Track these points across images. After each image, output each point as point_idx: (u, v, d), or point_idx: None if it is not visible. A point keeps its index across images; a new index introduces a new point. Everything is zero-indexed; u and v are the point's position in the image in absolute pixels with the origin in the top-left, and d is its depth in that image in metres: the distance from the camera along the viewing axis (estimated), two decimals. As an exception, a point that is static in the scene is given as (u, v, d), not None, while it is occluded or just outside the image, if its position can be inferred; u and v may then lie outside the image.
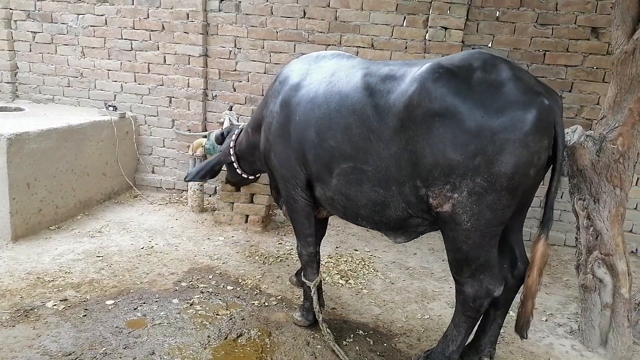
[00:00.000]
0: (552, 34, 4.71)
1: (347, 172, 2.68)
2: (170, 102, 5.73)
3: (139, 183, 5.92)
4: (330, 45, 5.18)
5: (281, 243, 4.72)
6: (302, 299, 3.39)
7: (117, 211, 5.17)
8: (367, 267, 4.29)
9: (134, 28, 5.64)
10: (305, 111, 2.83)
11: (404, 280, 4.10)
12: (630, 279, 3.09)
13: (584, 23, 4.65)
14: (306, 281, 3.24)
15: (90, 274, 3.70)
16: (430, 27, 4.86)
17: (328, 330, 3.03)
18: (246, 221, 5.01)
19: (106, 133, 5.27)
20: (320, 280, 3.31)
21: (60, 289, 3.43)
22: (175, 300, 3.42)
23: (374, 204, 2.68)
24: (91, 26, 5.76)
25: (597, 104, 4.78)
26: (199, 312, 3.29)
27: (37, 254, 3.97)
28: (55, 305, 3.20)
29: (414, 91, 2.32)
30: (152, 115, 5.83)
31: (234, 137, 3.75)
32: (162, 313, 3.24)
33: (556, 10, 4.65)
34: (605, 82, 4.67)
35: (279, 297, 3.61)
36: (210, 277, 3.84)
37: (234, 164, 3.79)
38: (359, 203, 2.75)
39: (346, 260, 4.40)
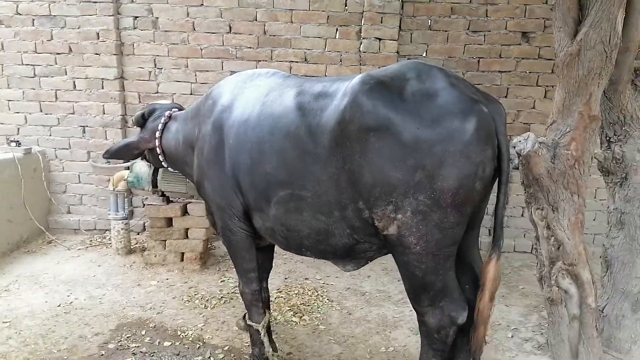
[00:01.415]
0: (484, 41, 4.69)
1: (285, 200, 2.43)
2: (84, 131, 5.11)
3: (52, 226, 5.19)
4: (260, 61, 4.85)
5: (223, 280, 4.27)
6: (250, 347, 2.99)
7: (27, 262, 4.46)
8: (321, 298, 3.95)
9: (36, 52, 4.99)
10: (239, 134, 2.56)
11: (361, 309, 3.79)
12: (595, 287, 2.98)
13: (514, 28, 4.66)
14: (252, 324, 2.88)
15: (-8, 347, 3.06)
16: (364, 38, 4.68)
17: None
18: (182, 259, 4.50)
19: (9, 173, 4.57)
20: (269, 321, 2.96)
21: (-48, 374, 2.78)
22: (102, 369, 2.88)
23: (317, 233, 2.44)
24: (-17, 52, 5.03)
25: (533, 107, 4.81)
26: (132, 380, 2.78)
27: None
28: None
29: (345, 106, 2.15)
30: (63, 148, 5.16)
31: (160, 126, 3.20)
32: (84, 388, 2.70)
33: (486, 16, 4.64)
34: (539, 86, 4.72)
35: (226, 348, 3.17)
36: (143, 332, 3.32)
37: (163, 162, 3.26)
38: (301, 233, 2.50)
39: (297, 293, 4.03)
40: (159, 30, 4.87)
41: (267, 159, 2.44)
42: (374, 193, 2.14)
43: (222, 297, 3.90)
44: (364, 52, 4.70)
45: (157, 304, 3.77)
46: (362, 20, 4.67)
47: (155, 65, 4.94)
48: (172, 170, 3.33)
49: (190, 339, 3.26)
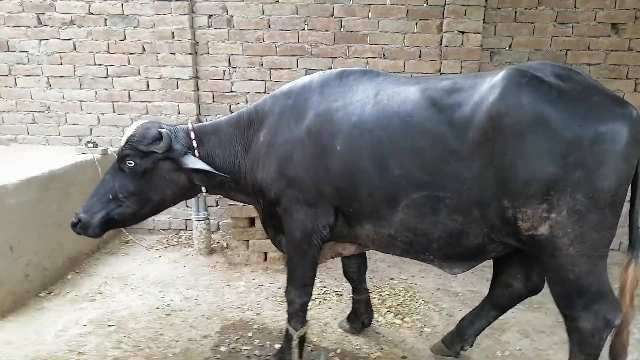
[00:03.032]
0: (572, 33, 4.54)
1: (419, 202, 2.33)
2: (158, 132, 5.09)
3: (128, 227, 5.19)
4: (336, 57, 4.77)
5: (310, 280, 4.22)
6: (279, 352, 2.92)
7: (111, 263, 4.47)
8: (415, 299, 3.87)
9: (108, 52, 4.97)
10: (351, 139, 2.42)
11: (460, 311, 3.70)
12: None
13: (604, 19, 4.50)
14: (290, 328, 2.80)
15: (109, 350, 3.05)
16: (445, 32, 4.56)
17: None
18: (265, 259, 4.47)
19: (90, 174, 4.57)
20: (305, 333, 2.86)
21: (80, 379, 2.77)
22: (223, 374, 2.86)
23: (450, 235, 2.36)
24: (57, 52, 5.03)
25: (622, 101, 4.65)
26: (257, 386, 2.75)
27: (35, 332, 3.25)
28: (80, 403, 2.56)
29: (496, 99, 2.10)
30: (137, 149, 5.15)
31: (194, 143, 2.71)
32: (213, 394, 2.67)
33: (575, 7, 4.49)
34: (629, 79, 4.56)
35: (338, 351, 3.12)
36: (250, 335, 3.29)
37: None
38: (431, 236, 2.40)
39: (389, 294, 3.96)
40: (233, 29, 4.81)
41: (396, 161, 2.32)
42: (527, 191, 2.09)
43: (315, 299, 3.85)
44: (445, 46, 4.58)
45: (252, 305, 3.74)
46: (444, 13, 4.54)
47: (230, 64, 4.89)
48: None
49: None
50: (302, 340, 2.84)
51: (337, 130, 2.45)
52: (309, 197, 2.54)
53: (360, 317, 3.30)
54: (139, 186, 2.64)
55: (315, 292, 3.91)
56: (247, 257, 4.46)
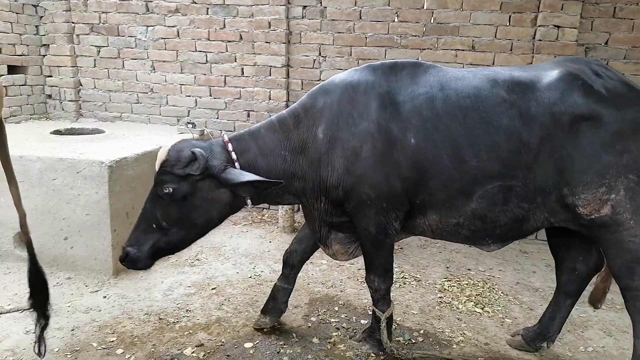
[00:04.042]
0: (677, 30, 4.34)
1: (493, 192, 2.50)
2: (249, 115, 5.43)
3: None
4: (425, 49, 4.84)
5: (388, 265, 4.38)
6: (368, 331, 3.05)
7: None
8: (494, 291, 3.93)
9: (208, 39, 5.34)
10: (425, 132, 2.50)
11: (541, 306, 3.72)
12: None
13: None
14: (377, 311, 2.88)
15: (212, 311, 3.39)
16: (540, 26, 4.50)
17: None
18: (345, 241, 4.67)
19: (188, 152, 4.96)
20: (392, 313, 2.94)
21: (190, 332, 3.12)
22: (316, 340, 3.11)
23: (515, 221, 2.57)
24: (162, 38, 5.47)
25: None
26: (347, 355, 2.97)
27: (145, 289, 3.67)
28: (194, 352, 2.90)
29: (557, 99, 2.40)
30: (229, 131, 5.51)
31: (233, 155, 2.61)
32: (309, 356, 2.92)
33: (682, 3, 4.28)
34: None
35: (422, 332, 3.27)
36: (336, 309, 3.52)
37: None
38: (498, 223, 2.58)
39: (468, 284, 4.05)
40: (326, 19, 5.01)
41: (473, 154, 2.46)
42: (584, 178, 2.38)
43: (395, 281, 4.01)
44: (539, 40, 4.52)
45: (335, 282, 3.96)
46: (540, 7, 4.48)
47: (320, 53, 5.11)
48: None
49: (383, 319, 3.41)
50: (390, 320, 2.97)
51: (408, 124, 2.51)
52: (380, 193, 2.57)
53: (279, 305, 3.20)
54: (181, 211, 2.52)
55: (394, 276, 4.12)
56: (329, 238, 4.68)
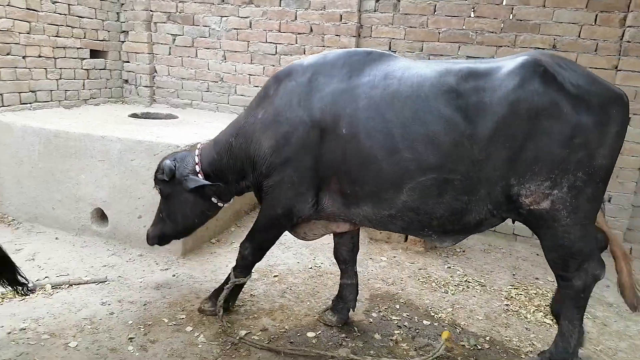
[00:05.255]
0: None
1: (426, 185, 2.41)
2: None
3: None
4: (502, 46, 4.67)
5: (450, 267, 4.28)
6: (217, 288, 3.16)
7: (265, 223, 4.94)
8: (564, 302, 3.74)
9: (279, 31, 5.41)
10: (358, 122, 2.45)
11: (615, 322, 3.53)
12: None
13: None
14: (232, 273, 3.03)
15: (275, 298, 3.44)
16: (629, 26, 4.22)
17: (228, 323, 2.97)
18: (405, 240, 4.61)
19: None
20: (242, 284, 3.12)
21: (255, 316, 3.18)
22: (377, 336, 3.08)
23: (453, 213, 2.48)
24: (234, 29, 5.60)
25: None
26: (410, 353, 2.92)
27: (211, 271, 3.78)
28: (259, 336, 2.95)
29: (515, 86, 2.27)
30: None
31: (196, 159, 2.96)
32: (371, 352, 2.90)
33: None
34: None
35: (488, 338, 3.16)
36: (397, 307, 3.47)
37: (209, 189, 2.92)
38: (433, 215, 2.50)
39: (536, 293, 3.87)
40: (398, 13, 4.93)
41: (408, 145, 2.37)
42: (533, 169, 2.30)
43: (458, 284, 3.91)
44: (627, 41, 4.24)
45: (396, 280, 3.91)
46: (630, 6, 4.20)
47: (390, 47, 5.04)
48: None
49: (446, 322, 3.33)
50: (237, 288, 3.12)
51: (343, 113, 2.48)
52: (303, 178, 2.62)
53: (347, 303, 3.18)
54: (167, 208, 3.09)
55: (457, 279, 4.02)
56: (388, 235, 4.64)
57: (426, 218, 2.51)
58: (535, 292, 3.90)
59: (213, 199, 2.99)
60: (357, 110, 2.46)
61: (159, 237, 3.19)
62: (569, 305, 2.61)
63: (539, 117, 2.26)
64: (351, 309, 3.19)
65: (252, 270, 3.10)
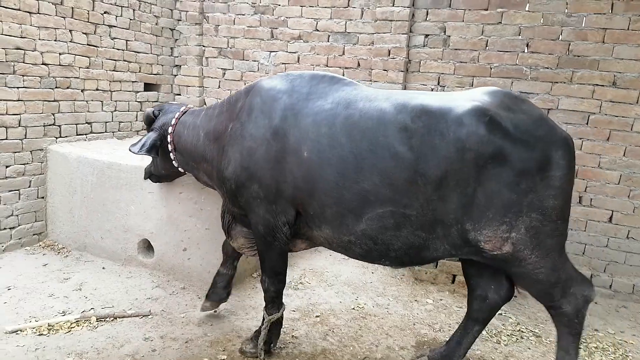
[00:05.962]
0: None
1: (384, 216, 2.44)
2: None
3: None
4: (557, 82, 4.49)
5: (501, 313, 4.03)
6: (255, 331, 3.11)
7: (307, 258, 4.87)
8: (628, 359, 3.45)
9: (327, 65, 5.44)
10: (319, 148, 2.51)
11: None
12: None
13: None
14: (264, 312, 2.99)
15: (317, 340, 3.34)
16: (698, 63, 3.97)
17: None
18: (453, 282, 4.42)
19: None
20: (278, 319, 3.04)
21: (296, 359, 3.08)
22: (425, 389, 2.90)
23: (410, 247, 2.50)
24: (282, 63, 5.68)
25: None
26: (460, 411, 2.73)
27: (253, 308, 3.74)
28: (300, 383, 2.85)
29: (464, 135, 2.30)
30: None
31: (173, 121, 3.25)
32: (418, 407, 2.73)
33: None
34: None
35: (545, 397, 2.93)
36: (446, 357, 3.28)
37: (171, 154, 3.28)
38: (391, 247, 2.52)
39: (597, 347, 3.59)
40: (448, 48, 4.86)
41: (365, 177, 2.42)
42: (487, 214, 2.32)
43: (511, 334, 3.68)
44: (695, 79, 3.98)
45: (443, 326, 3.73)
46: (699, 43, 3.96)
47: (439, 83, 4.96)
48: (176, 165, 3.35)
49: (499, 376, 3.12)
50: (276, 326, 3.06)
51: (305, 137, 2.54)
52: (268, 194, 2.67)
53: (218, 292, 3.44)
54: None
55: (509, 328, 3.79)
56: (435, 276, 4.46)
57: (384, 248, 2.54)
58: (595, 345, 3.61)
59: (174, 162, 3.30)
60: (320, 136, 2.52)
61: (148, 173, 3.68)
62: (563, 334, 2.59)
63: (486, 165, 2.29)
64: (223, 298, 3.45)
65: (283, 302, 3.09)
